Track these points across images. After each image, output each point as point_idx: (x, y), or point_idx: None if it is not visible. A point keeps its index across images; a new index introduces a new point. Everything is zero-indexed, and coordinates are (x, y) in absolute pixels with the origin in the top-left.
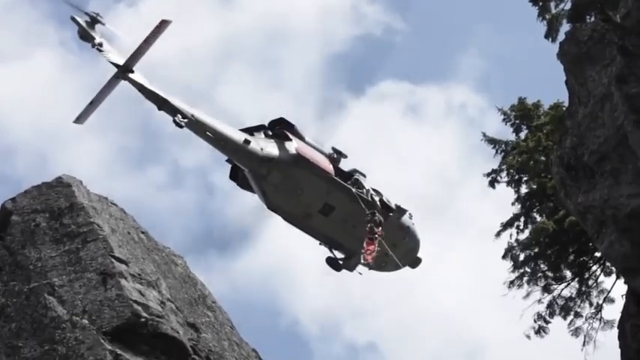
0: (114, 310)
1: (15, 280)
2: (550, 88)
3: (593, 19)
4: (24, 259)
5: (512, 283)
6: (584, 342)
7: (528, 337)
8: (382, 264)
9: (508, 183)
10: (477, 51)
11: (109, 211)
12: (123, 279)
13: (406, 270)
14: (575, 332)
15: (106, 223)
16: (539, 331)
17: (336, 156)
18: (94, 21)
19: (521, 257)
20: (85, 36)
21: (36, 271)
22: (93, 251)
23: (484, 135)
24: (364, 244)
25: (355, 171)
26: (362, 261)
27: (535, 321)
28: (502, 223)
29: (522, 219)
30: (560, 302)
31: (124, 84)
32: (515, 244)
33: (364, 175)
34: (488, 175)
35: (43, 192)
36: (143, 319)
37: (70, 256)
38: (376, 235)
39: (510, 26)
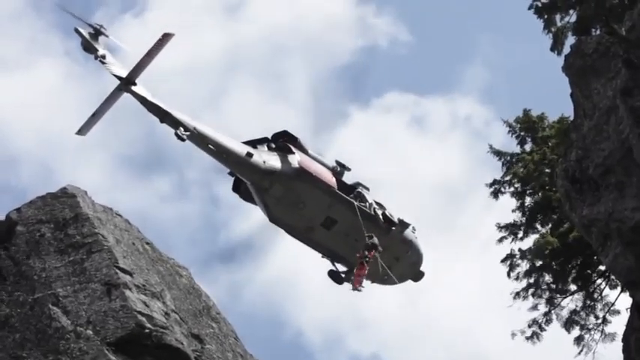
0: (118, 320)
1: (19, 290)
2: (556, 99)
3: (598, 32)
4: (28, 269)
5: (517, 294)
6: (580, 351)
7: (513, 334)
8: (385, 277)
9: (512, 194)
10: (482, 63)
11: (113, 222)
12: (127, 290)
13: (409, 283)
14: (577, 342)
15: (111, 233)
16: (532, 336)
17: (339, 169)
18: (97, 33)
19: (525, 267)
20: (89, 48)
21: (40, 282)
22: (97, 262)
23: (490, 147)
24: (355, 269)
25: (358, 184)
26: (351, 287)
27: (529, 326)
28: (499, 224)
29: (523, 228)
30: (564, 314)
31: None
32: (516, 252)
33: (367, 189)
34: (491, 185)
35: (48, 202)
36: (147, 330)
37: (74, 266)
38: (367, 259)
39: (516, 38)
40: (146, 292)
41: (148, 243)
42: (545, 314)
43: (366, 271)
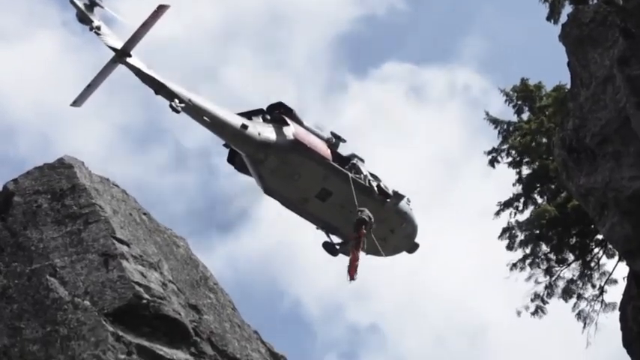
0: (115, 291)
1: (17, 261)
2: (554, 68)
3: (595, 1)
4: (26, 240)
5: (514, 265)
6: (584, 324)
7: (519, 313)
8: (380, 248)
9: (510, 164)
10: (480, 32)
11: (110, 193)
12: (124, 260)
13: (404, 255)
14: (578, 315)
15: (108, 204)
16: (537, 311)
17: (334, 140)
18: (92, 4)
19: (522, 237)
20: (84, 19)
21: (38, 253)
22: (95, 233)
23: (487, 114)
24: (349, 256)
25: (354, 156)
26: (348, 277)
27: (532, 300)
28: (500, 202)
29: (522, 200)
30: (562, 284)
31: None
32: (514, 225)
33: (362, 160)
34: (489, 153)
35: (45, 173)
36: (145, 301)
37: (71, 237)
38: (358, 239)
39: (515, 7)
40: (143, 262)
41: (145, 213)
42: (546, 287)
43: (359, 257)
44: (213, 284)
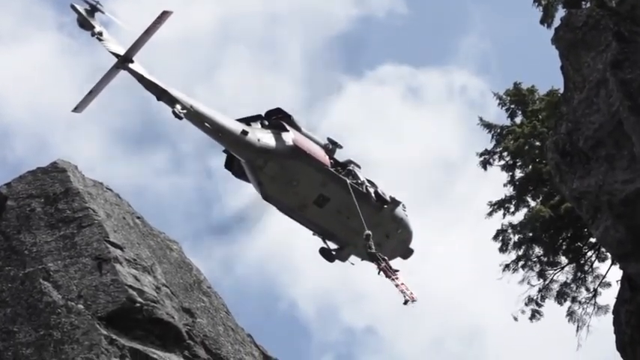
0: (109, 295)
1: (10, 265)
2: (552, 70)
3: (588, 4)
4: (19, 244)
5: (507, 266)
6: (577, 327)
7: (515, 319)
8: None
9: (503, 167)
10: (478, 34)
11: (104, 196)
12: (118, 264)
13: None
14: (571, 317)
15: (101, 208)
16: (534, 315)
17: (331, 146)
18: (93, 9)
19: (515, 239)
20: (85, 24)
21: (31, 256)
22: (88, 236)
23: (480, 119)
24: (395, 286)
25: (350, 162)
26: (408, 300)
27: (526, 304)
28: (490, 202)
29: (514, 202)
30: (555, 287)
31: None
32: (508, 227)
33: (359, 166)
34: (481, 155)
35: (38, 177)
36: (138, 304)
37: (65, 241)
38: (393, 271)
39: (512, 9)
40: (137, 266)
41: (138, 217)
42: (540, 290)
43: (398, 279)
44: (206, 288)
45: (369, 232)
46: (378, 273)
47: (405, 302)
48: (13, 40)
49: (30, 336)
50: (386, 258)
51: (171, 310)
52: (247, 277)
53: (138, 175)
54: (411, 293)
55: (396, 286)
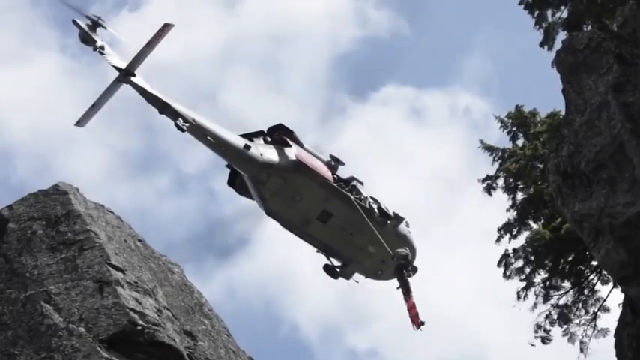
0: (110, 318)
1: (11, 287)
2: (556, 91)
3: (589, 27)
4: (20, 266)
5: (518, 294)
6: (580, 349)
7: (532, 345)
8: (379, 272)
9: (504, 190)
10: (481, 55)
11: (105, 219)
12: (119, 287)
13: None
14: (570, 338)
15: (103, 230)
16: (544, 341)
17: (334, 163)
18: (95, 25)
19: (519, 264)
20: (87, 39)
21: (32, 279)
22: (89, 259)
23: (482, 142)
24: (407, 309)
25: (353, 178)
26: (413, 325)
27: (535, 331)
28: (498, 229)
29: (516, 225)
30: (557, 311)
31: (125, 89)
32: (510, 252)
33: (362, 183)
34: (483, 181)
35: (40, 200)
36: (139, 327)
37: (66, 263)
38: (410, 290)
39: (516, 30)
40: (138, 288)
41: (140, 240)
42: (547, 316)
43: (414, 302)
44: (208, 310)
45: (399, 250)
46: (398, 287)
47: (417, 327)
48: (15, 60)
49: (31, 359)
50: (409, 279)
51: (173, 333)
52: (249, 300)
53: (140, 196)
54: (420, 320)
55: (409, 309)
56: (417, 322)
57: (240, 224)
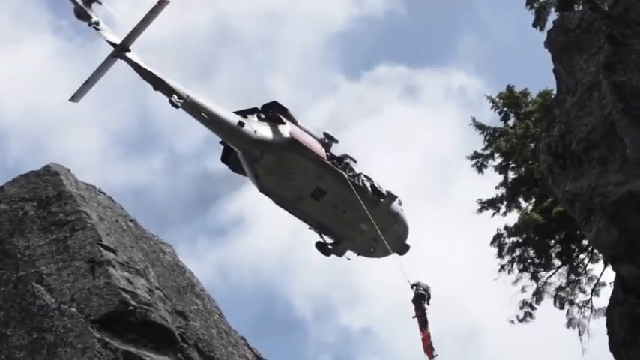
0: (102, 298)
1: (3, 268)
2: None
3: (581, 7)
4: (12, 247)
5: (502, 267)
6: (579, 332)
7: (512, 322)
8: (371, 250)
9: (496, 169)
10: (476, 34)
11: (97, 200)
12: (111, 267)
13: (396, 255)
14: (570, 323)
15: (94, 211)
16: (525, 317)
17: (327, 141)
18: (90, 0)
19: (509, 243)
20: (82, 14)
21: (24, 260)
22: (81, 239)
23: (473, 120)
24: (421, 336)
25: (346, 156)
26: (426, 355)
27: (521, 308)
28: (480, 200)
29: (505, 202)
30: (550, 290)
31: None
32: (503, 231)
33: (355, 161)
34: (472, 158)
35: (31, 181)
36: (131, 307)
37: (58, 244)
38: (427, 321)
39: (511, 9)
40: (130, 269)
41: (131, 220)
42: (534, 294)
43: (429, 334)
44: (199, 290)
45: (421, 282)
46: (414, 317)
47: (431, 358)
48: (8, 42)
49: (23, 339)
50: (427, 307)
51: (165, 313)
52: (243, 279)
53: (133, 176)
54: (433, 352)
55: (423, 340)
56: (430, 354)
57: (235, 206)
